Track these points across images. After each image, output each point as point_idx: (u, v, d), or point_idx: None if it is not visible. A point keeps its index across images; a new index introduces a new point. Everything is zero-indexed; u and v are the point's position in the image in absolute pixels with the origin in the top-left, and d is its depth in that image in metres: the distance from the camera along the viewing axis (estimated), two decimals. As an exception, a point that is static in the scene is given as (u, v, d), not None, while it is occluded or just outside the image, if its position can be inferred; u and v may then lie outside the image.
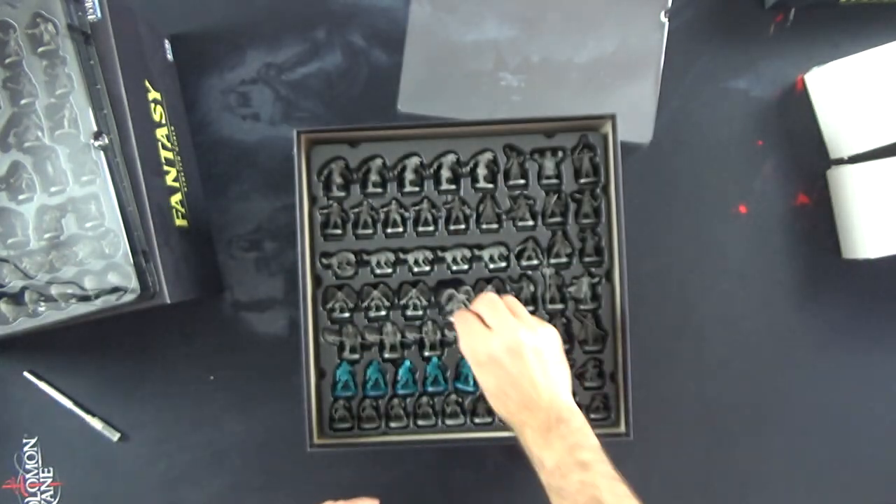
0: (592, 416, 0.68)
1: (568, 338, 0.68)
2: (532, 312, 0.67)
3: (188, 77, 0.77)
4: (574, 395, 0.59)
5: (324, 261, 0.68)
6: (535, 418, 0.56)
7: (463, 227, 0.68)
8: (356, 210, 0.68)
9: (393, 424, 0.68)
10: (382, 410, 0.68)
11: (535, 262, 0.68)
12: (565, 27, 0.71)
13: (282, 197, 0.77)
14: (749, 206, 0.76)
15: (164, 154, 0.69)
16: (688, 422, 0.76)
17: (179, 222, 0.70)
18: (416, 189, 0.68)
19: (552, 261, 0.68)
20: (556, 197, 0.68)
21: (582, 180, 0.68)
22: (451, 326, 0.68)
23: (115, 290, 0.62)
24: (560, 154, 0.68)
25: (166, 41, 0.76)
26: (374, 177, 0.68)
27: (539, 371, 0.57)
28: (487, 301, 0.60)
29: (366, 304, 0.68)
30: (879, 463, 0.75)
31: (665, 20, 0.71)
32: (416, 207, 0.68)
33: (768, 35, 0.77)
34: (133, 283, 0.62)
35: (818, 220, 0.76)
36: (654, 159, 0.76)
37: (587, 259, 0.68)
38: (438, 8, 0.71)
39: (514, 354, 0.57)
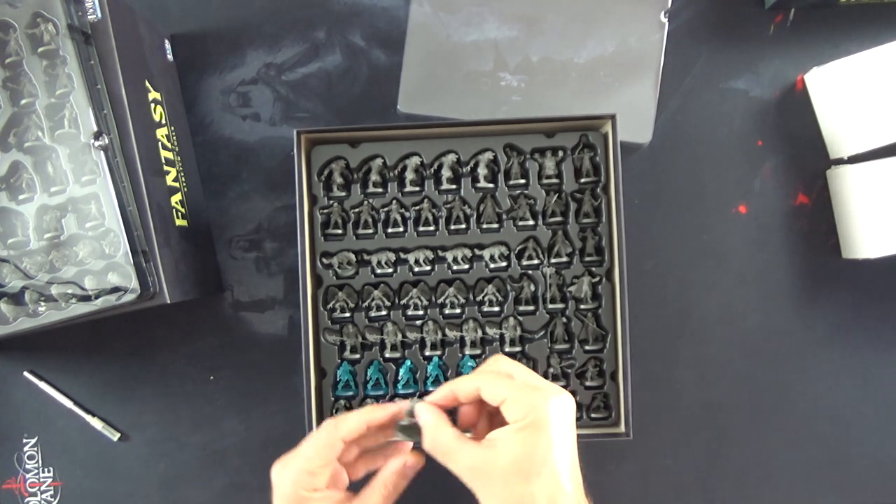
0: (592, 415, 0.68)
1: (568, 337, 0.68)
2: (533, 312, 0.68)
3: (188, 77, 0.77)
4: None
5: (324, 261, 0.68)
6: None
7: (463, 226, 0.68)
8: (357, 210, 0.68)
9: (393, 424, 0.68)
10: (383, 410, 0.68)
11: (535, 261, 0.68)
12: (565, 27, 0.71)
13: (282, 197, 0.77)
14: (749, 206, 0.76)
15: (164, 154, 0.69)
16: (688, 422, 0.76)
17: (179, 222, 0.70)
18: (417, 189, 0.68)
19: (553, 260, 0.68)
20: (556, 196, 0.68)
21: (582, 180, 0.68)
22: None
23: (115, 290, 0.62)
24: (560, 154, 0.68)
25: (166, 41, 0.76)
26: (374, 177, 0.68)
27: (572, 447, 0.49)
28: (505, 360, 0.54)
29: (366, 303, 0.68)
30: (879, 462, 0.76)
31: (665, 20, 0.71)
32: (417, 207, 0.68)
33: (768, 35, 0.77)
34: (133, 283, 0.62)
35: (818, 220, 0.76)
36: (654, 159, 0.76)
37: (587, 258, 0.68)
38: (438, 8, 0.71)
39: (564, 418, 0.49)
